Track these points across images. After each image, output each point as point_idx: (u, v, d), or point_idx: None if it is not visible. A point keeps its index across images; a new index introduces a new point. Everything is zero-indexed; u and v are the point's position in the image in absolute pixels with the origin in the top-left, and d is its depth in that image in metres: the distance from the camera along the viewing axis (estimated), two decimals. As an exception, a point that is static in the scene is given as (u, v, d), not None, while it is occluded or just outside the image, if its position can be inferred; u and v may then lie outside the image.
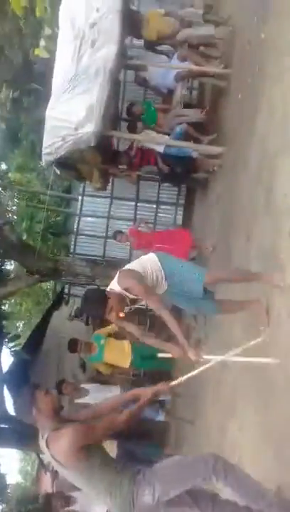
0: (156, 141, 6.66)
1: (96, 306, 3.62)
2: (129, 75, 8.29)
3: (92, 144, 6.21)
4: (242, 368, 3.99)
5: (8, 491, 20.58)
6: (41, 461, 11.03)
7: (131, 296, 3.53)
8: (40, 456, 10.78)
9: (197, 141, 6.80)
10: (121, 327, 4.03)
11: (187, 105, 7.74)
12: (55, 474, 8.99)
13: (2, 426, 9.38)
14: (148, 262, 3.70)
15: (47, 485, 10.29)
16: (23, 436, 9.04)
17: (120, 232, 7.33)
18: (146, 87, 8.35)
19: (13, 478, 25.92)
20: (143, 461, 6.84)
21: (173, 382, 3.02)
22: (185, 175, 7.43)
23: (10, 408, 9.86)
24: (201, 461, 2.48)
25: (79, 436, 2.46)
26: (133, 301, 3.63)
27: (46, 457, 2.51)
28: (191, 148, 6.64)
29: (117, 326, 5.73)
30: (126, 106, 7.71)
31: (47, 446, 2.47)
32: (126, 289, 3.50)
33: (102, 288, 3.90)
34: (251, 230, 4.32)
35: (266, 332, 3.33)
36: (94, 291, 4.14)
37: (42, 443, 2.52)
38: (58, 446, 2.45)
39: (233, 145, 5.81)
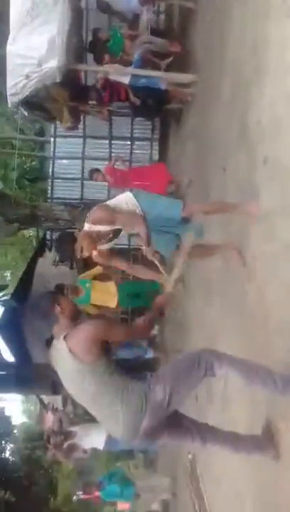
0: (122, 72, 6.32)
1: (66, 248, 3.58)
2: (91, 2, 7.78)
3: (58, 80, 5.92)
4: (222, 297, 4.06)
5: (15, 431, 21.58)
6: (42, 402, 11.44)
7: (102, 230, 3.47)
8: (40, 397, 11.17)
9: (156, 66, 6.50)
10: (107, 264, 3.98)
11: (154, 30, 7.32)
12: (55, 411, 9.39)
13: (0, 373, 9.60)
14: (124, 200, 3.64)
15: (49, 422, 10.76)
16: (21, 381, 9.30)
17: (96, 170, 7.14)
18: (111, 14, 7.84)
19: (18, 419, 27.09)
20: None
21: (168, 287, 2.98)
22: (157, 107, 7.17)
23: (6, 355, 10.09)
24: (204, 350, 2.60)
25: (99, 329, 2.50)
26: (109, 237, 3.57)
27: (60, 355, 2.45)
28: (159, 79, 6.33)
29: (103, 265, 5.70)
30: (91, 32, 7.26)
31: (65, 341, 2.45)
32: (95, 223, 3.44)
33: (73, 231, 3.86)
34: (227, 160, 4.23)
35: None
36: (64, 234, 4.10)
37: (58, 344, 2.49)
38: (77, 337, 2.45)
39: (205, 72, 5.57)
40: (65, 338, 2.48)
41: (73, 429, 6.47)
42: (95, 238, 3.49)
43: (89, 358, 2.41)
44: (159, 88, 6.43)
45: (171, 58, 6.50)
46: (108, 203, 3.64)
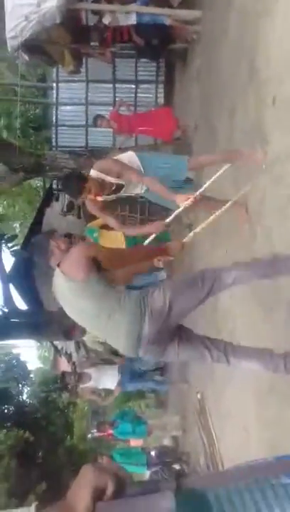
0: (126, 10, 6.05)
1: (73, 185, 3.55)
2: None
3: (58, 21, 5.68)
4: (230, 244, 4.08)
5: (31, 375, 22.44)
6: (55, 347, 11.81)
7: (110, 180, 3.45)
8: (53, 343, 11.52)
9: (167, 3, 6.20)
10: (97, 215, 3.96)
11: None
12: (69, 357, 9.71)
13: (14, 320, 9.87)
14: (126, 159, 3.59)
15: (63, 367, 11.16)
16: (34, 327, 9.58)
17: (100, 116, 6.98)
18: None
19: (34, 364, 28.07)
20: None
21: (185, 239, 3.12)
22: (162, 47, 6.89)
23: (19, 304, 10.35)
24: (208, 269, 2.58)
25: (88, 248, 2.63)
26: (116, 190, 3.55)
27: (58, 283, 2.55)
28: (165, 15, 6.05)
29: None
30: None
31: (59, 267, 2.55)
32: (103, 172, 3.42)
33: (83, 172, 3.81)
34: (235, 102, 4.11)
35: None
36: (71, 173, 4.06)
37: (55, 273, 2.59)
38: (68, 259, 2.55)
39: (211, 7, 5.30)
40: (58, 265, 2.57)
41: (87, 371, 6.72)
42: (104, 187, 3.48)
43: (80, 276, 2.46)
44: (163, 25, 6.16)
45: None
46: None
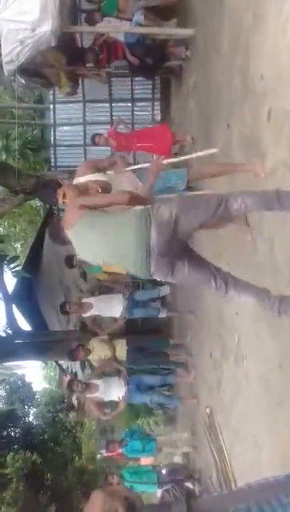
0: (119, 30, 6.16)
1: (47, 192, 3.52)
2: None
3: (53, 44, 5.78)
4: (232, 256, 4.09)
5: (37, 396, 22.25)
6: (60, 367, 11.76)
7: (88, 180, 3.46)
8: (58, 362, 11.47)
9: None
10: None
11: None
12: (74, 376, 9.65)
13: (18, 341, 9.85)
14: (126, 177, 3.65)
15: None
16: (38, 348, 9.54)
17: (98, 134, 7.05)
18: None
19: (39, 384, 27.86)
20: (154, 354, 7.34)
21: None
22: (157, 65, 6.99)
23: (22, 324, 10.33)
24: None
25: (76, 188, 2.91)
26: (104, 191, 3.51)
27: (71, 234, 2.69)
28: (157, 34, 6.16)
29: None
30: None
31: (66, 228, 2.71)
32: (81, 174, 3.53)
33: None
34: (231, 116, 4.15)
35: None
36: (48, 181, 4.09)
37: (68, 233, 2.72)
38: (68, 210, 2.79)
39: (204, 25, 5.39)
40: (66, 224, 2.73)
41: (95, 381, 6.66)
42: (82, 190, 3.38)
43: (81, 212, 2.63)
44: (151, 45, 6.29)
45: (175, 21, 6.28)
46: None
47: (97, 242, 2.61)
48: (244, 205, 2.46)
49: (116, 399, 6.59)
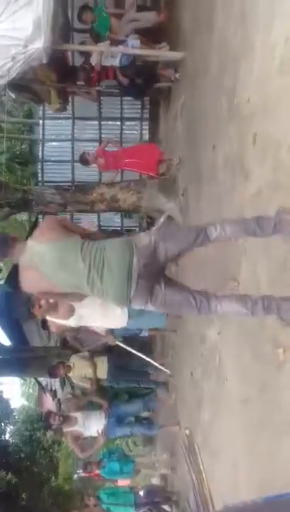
0: (112, 53, 6.27)
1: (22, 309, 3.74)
2: (76, -20, 7.60)
3: (45, 61, 5.82)
4: (215, 279, 4.11)
5: (14, 413, 21.81)
6: (40, 384, 11.58)
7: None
8: (38, 380, 11.29)
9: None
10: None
11: (141, 8, 7.21)
12: (54, 394, 9.49)
13: (-2, 357, 9.68)
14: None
15: (48, 404, 10.90)
16: (17, 364, 9.38)
17: (86, 152, 7.10)
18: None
19: (17, 401, 27.34)
20: (134, 373, 7.26)
21: None
22: (146, 85, 7.10)
23: (2, 339, 10.17)
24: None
25: (54, 218, 2.87)
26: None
27: (36, 254, 2.54)
28: (149, 56, 6.28)
29: None
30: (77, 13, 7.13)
31: (32, 240, 2.64)
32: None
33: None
34: (217, 138, 4.23)
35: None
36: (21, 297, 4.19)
37: (29, 248, 2.60)
38: (39, 229, 2.72)
39: (193, 48, 5.51)
40: (30, 240, 2.65)
41: (74, 414, 6.55)
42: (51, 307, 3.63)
43: (55, 235, 2.57)
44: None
45: (165, 44, 6.43)
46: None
47: (76, 268, 2.52)
48: (224, 232, 2.49)
49: (95, 433, 6.47)
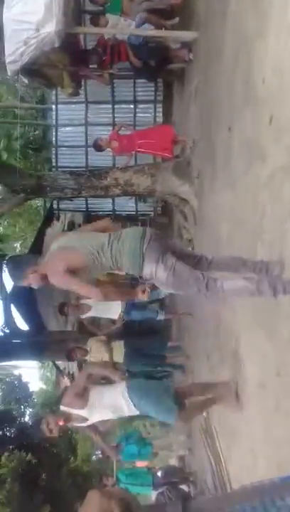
0: (123, 32, 6.19)
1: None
2: None
3: (57, 45, 5.78)
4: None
5: (33, 397, 22.22)
6: (58, 368, 11.74)
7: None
8: (56, 363, 11.45)
9: (160, 27, 6.34)
10: None
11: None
12: (72, 377, 9.63)
13: (16, 341, 9.84)
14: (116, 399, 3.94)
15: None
16: (35, 348, 9.53)
17: (99, 138, 7.08)
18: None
19: (36, 385, 27.83)
20: (151, 357, 7.32)
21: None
22: (159, 67, 7.01)
23: (20, 324, 10.32)
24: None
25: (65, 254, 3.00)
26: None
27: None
28: (164, 38, 6.18)
29: None
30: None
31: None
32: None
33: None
34: (232, 120, 4.16)
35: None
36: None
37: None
38: (50, 264, 2.99)
39: (207, 29, 5.40)
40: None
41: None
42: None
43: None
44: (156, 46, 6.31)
45: (177, 19, 6.30)
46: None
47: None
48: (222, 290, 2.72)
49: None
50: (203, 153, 5.60)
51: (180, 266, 2.74)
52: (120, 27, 6.42)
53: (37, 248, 10.33)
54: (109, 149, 7.19)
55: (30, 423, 4.78)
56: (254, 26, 3.47)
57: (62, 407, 3.97)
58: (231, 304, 3.97)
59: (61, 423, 3.89)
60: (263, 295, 2.56)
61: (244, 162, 3.68)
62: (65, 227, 10.03)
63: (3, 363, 11.43)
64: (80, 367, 7.21)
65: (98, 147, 7.03)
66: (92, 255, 2.86)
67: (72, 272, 2.88)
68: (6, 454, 15.19)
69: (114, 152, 7.39)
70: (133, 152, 7.22)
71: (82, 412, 3.89)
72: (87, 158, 9.54)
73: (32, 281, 3.16)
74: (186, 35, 6.08)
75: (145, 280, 2.98)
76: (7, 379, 21.07)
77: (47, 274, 2.99)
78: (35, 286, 3.20)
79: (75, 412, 3.89)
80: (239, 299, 3.24)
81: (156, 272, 2.75)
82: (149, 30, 6.21)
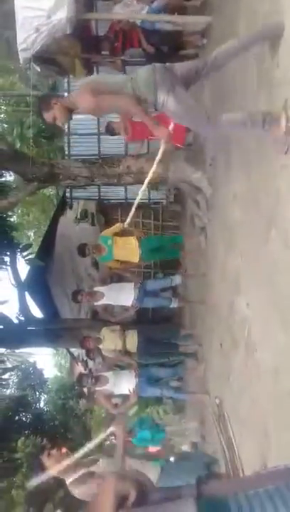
0: (136, 17, 6.12)
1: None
2: None
3: (68, 32, 5.74)
4: (244, 249, 4.07)
5: (48, 383, 22.52)
6: (72, 354, 11.88)
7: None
8: (70, 350, 11.58)
9: (181, 10, 6.25)
10: None
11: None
12: (85, 364, 9.73)
13: (30, 328, 9.96)
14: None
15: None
16: (49, 336, 9.65)
17: (112, 122, 7.05)
18: None
19: (50, 372, 28.18)
20: (164, 345, 7.35)
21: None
22: (172, 53, 6.91)
23: (34, 312, 10.43)
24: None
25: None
26: None
27: None
28: (175, 22, 6.10)
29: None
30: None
31: None
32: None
33: None
34: (246, 104, 4.11)
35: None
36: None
37: None
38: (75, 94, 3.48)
39: (220, 13, 5.32)
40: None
41: (105, 374, 6.72)
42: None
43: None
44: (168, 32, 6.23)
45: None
46: None
47: None
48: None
49: (127, 392, 6.62)
50: (217, 140, 5.55)
51: (189, 100, 3.24)
52: (132, 9, 6.32)
53: (50, 236, 10.40)
54: (121, 136, 7.16)
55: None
56: (268, 9, 3.41)
57: None
58: (243, 290, 3.97)
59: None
60: (254, 126, 2.97)
61: (259, 148, 3.64)
62: (78, 216, 10.06)
63: (19, 350, 11.58)
64: (89, 354, 7.25)
65: (110, 131, 7.00)
66: (117, 84, 3.27)
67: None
68: (21, 438, 15.46)
69: (127, 138, 7.36)
70: (146, 139, 7.19)
71: None
72: (99, 146, 9.52)
73: (57, 113, 3.31)
74: (200, 19, 5.99)
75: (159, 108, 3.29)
76: (22, 366, 21.37)
77: (77, 101, 3.32)
78: (60, 120, 3.40)
79: None
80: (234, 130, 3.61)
81: (167, 102, 3.14)
82: (163, 16, 6.14)
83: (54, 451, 3.52)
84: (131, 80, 3.22)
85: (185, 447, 8.04)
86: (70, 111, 3.29)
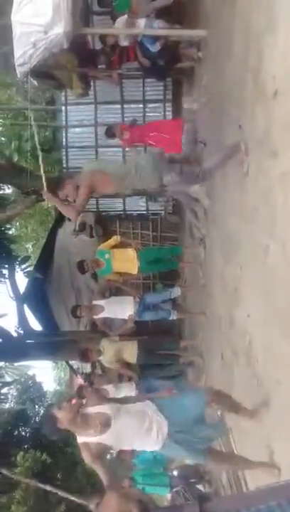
0: (132, 33, 6.19)
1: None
2: None
3: (65, 46, 5.79)
4: (243, 260, 4.07)
5: (47, 396, 22.33)
6: (71, 367, 11.81)
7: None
8: (69, 363, 11.51)
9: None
10: None
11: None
12: (85, 377, 9.67)
13: (29, 341, 9.91)
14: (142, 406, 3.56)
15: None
16: (49, 348, 9.59)
17: (111, 125, 7.08)
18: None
19: (50, 385, 28.00)
20: (164, 356, 7.31)
21: None
22: (168, 66, 6.99)
23: (33, 324, 10.39)
24: None
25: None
26: None
27: None
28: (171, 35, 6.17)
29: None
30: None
31: None
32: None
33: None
34: (243, 117, 4.14)
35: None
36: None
37: None
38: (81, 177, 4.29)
39: (216, 27, 5.38)
40: None
41: (105, 387, 6.67)
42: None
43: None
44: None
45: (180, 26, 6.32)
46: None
47: None
48: None
49: None
50: (214, 151, 5.58)
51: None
52: (135, 27, 6.38)
53: (48, 248, 10.40)
54: (119, 140, 7.17)
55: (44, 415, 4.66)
56: (263, 22, 3.45)
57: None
58: (243, 302, 3.96)
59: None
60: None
61: (256, 160, 3.66)
62: (76, 228, 10.07)
63: (18, 363, 11.51)
64: (93, 367, 7.24)
65: (111, 135, 7.01)
66: (119, 176, 4.12)
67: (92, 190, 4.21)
68: (21, 453, 15.29)
69: (124, 143, 7.36)
70: (143, 144, 7.19)
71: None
72: (97, 158, 9.56)
73: (69, 191, 4.29)
74: (195, 33, 6.06)
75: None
76: (21, 379, 21.21)
77: (80, 185, 4.17)
78: (71, 197, 4.28)
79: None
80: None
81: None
82: (159, 30, 6.20)
83: (64, 404, 3.43)
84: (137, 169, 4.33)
85: (188, 460, 7.96)
86: (77, 188, 4.28)
